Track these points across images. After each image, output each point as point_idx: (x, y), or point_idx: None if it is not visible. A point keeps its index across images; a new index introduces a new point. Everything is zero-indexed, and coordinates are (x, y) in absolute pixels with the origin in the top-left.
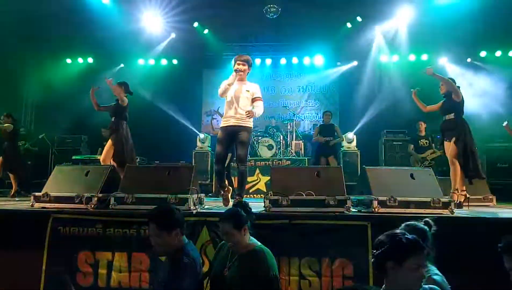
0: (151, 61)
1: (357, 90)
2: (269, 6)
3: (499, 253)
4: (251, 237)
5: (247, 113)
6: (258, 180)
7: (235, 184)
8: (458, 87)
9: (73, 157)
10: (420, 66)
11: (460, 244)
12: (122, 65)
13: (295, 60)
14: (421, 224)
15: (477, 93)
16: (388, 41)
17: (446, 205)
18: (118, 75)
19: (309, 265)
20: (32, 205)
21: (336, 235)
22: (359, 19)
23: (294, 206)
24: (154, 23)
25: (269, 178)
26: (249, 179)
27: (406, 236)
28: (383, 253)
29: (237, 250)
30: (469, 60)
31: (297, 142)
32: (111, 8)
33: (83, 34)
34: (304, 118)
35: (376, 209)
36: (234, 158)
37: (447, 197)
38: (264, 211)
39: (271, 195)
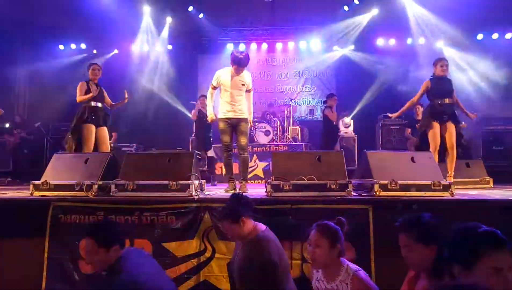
0: (146, 47)
1: (354, 74)
2: None
3: (396, 231)
4: (258, 223)
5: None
6: (256, 166)
7: (236, 170)
8: None
9: None
10: (417, 49)
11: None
12: (116, 51)
13: (291, 44)
14: (333, 224)
15: (474, 75)
16: (386, 24)
17: (446, 188)
18: (111, 61)
19: None
20: (31, 194)
21: None
22: (356, 1)
23: (295, 190)
24: (149, 8)
25: (266, 163)
26: None
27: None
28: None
29: (241, 240)
30: (466, 42)
31: (294, 127)
32: None
33: (76, 19)
34: (301, 103)
35: (377, 193)
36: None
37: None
38: (265, 196)
39: (272, 180)
